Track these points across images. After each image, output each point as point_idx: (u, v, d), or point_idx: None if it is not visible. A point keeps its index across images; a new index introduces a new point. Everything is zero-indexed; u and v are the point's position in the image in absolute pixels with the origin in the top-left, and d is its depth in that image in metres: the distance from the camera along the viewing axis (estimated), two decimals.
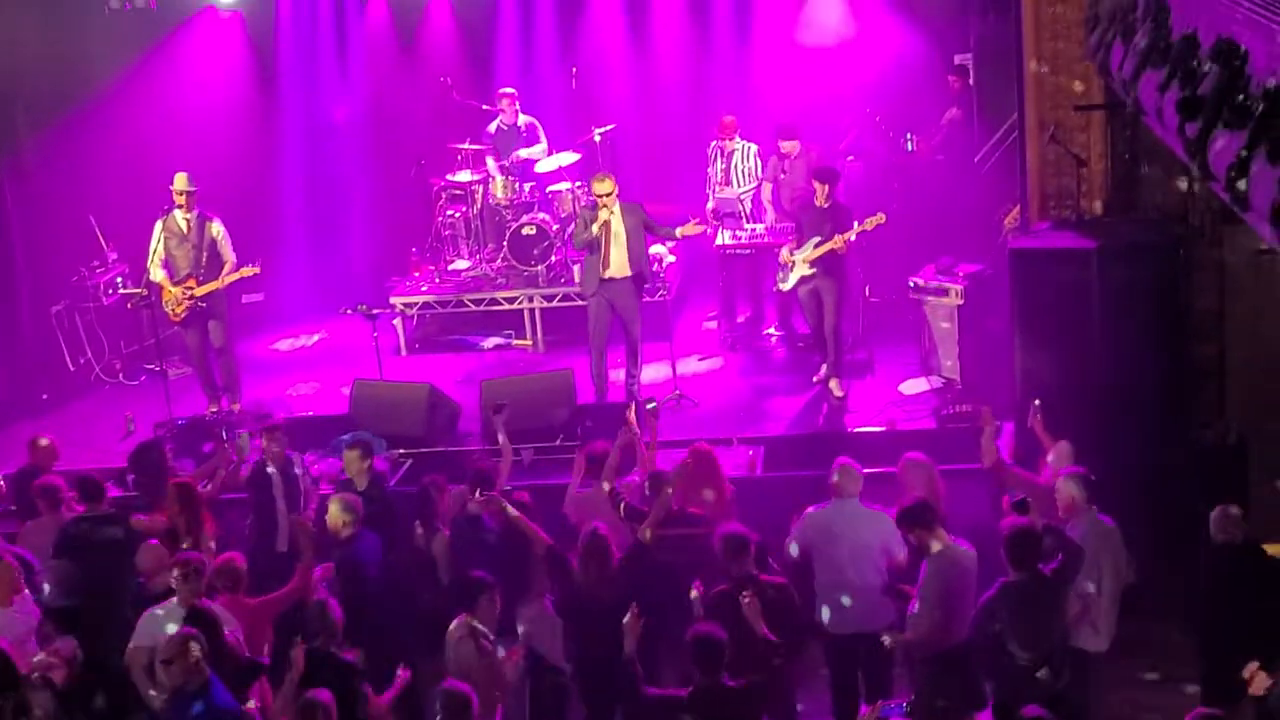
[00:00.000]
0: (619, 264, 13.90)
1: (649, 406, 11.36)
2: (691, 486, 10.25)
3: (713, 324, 16.15)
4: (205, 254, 14.39)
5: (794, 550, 9.62)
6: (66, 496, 10.92)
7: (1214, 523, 8.98)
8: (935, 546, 8.94)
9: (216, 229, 14.45)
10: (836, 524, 9.54)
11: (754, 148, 15.83)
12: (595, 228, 13.76)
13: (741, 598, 8.68)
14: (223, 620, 8.95)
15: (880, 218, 13.58)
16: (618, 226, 13.81)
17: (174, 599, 9.11)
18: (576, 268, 15.69)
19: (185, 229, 14.38)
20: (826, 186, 13.64)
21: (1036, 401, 10.42)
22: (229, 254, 14.49)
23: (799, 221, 14.01)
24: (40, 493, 10.96)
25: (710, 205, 15.79)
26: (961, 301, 13.49)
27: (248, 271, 14.56)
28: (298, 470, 11.47)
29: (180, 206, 14.34)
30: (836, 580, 9.44)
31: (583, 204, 15.07)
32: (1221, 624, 8.89)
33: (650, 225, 14.07)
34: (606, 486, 10.15)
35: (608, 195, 13.77)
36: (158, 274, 14.46)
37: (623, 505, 9.98)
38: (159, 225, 14.43)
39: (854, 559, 9.42)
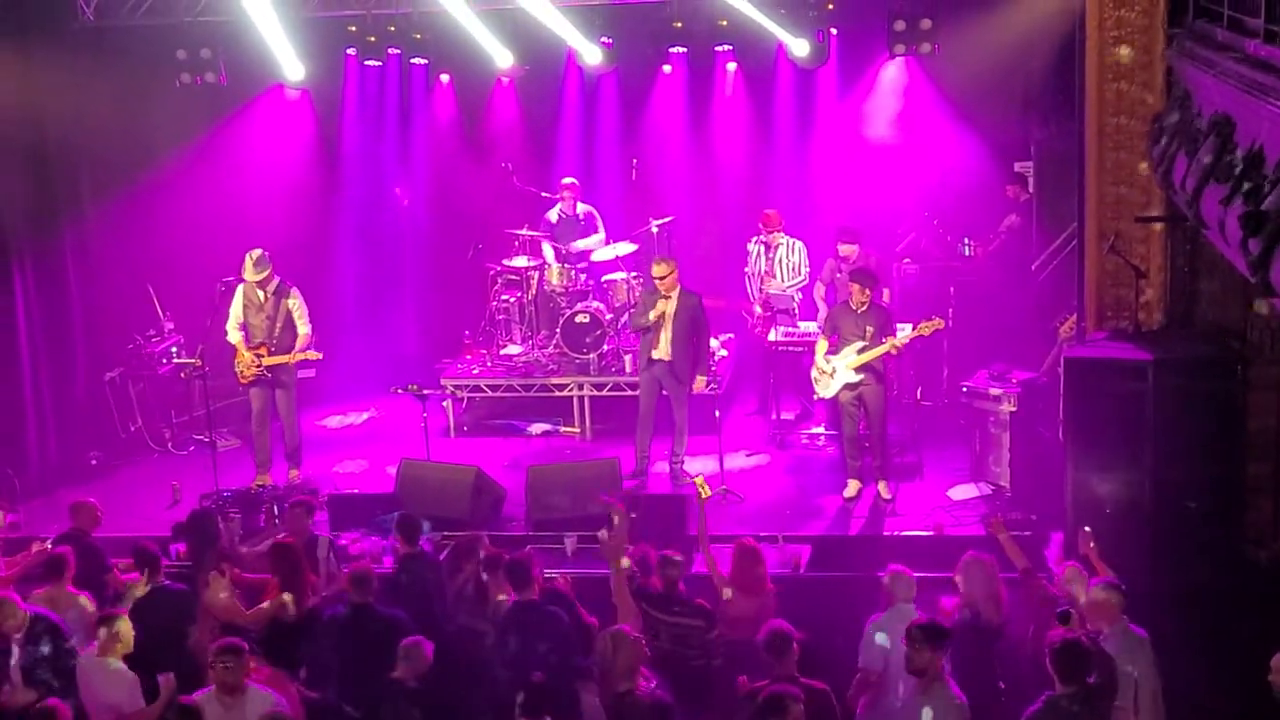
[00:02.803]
0: (664, 347, 14.21)
1: (703, 494, 11.17)
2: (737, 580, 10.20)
3: (752, 416, 16.21)
4: (279, 325, 14.58)
5: (882, 640, 9.35)
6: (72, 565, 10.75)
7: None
8: (937, 681, 8.53)
9: (293, 302, 14.67)
10: (893, 632, 9.33)
11: (800, 244, 15.88)
12: (652, 315, 14.13)
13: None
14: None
15: (938, 322, 13.52)
16: (672, 311, 14.12)
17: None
18: (628, 357, 15.80)
19: (261, 299, 14.59)
20: (867, 290, 13.60)
21: (1087, 529, 10.30)
22: (303, 326, 14.70)
23: (835, 325, 13.84)
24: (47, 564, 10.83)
25: (757, 305, 15.82)
26: (1014, 408, 13.38)
27: (312, 355, 14.72)
28: (320, 552, 11.41)
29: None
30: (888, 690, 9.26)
31: (642, 289, 15.19)
32: None
33: (695, 324, 14.27)
34: (625, 563, 10.08)
35: (663, 279, 14.08)
36: (235, 336, 14.69)
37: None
38: (240, 290, 14.69)
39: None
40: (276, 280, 14.65)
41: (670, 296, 14.15)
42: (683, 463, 14.52)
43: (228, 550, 11.30)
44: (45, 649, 9.88)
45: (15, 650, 9.79)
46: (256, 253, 14.58)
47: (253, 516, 13.63)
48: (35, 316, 15.75)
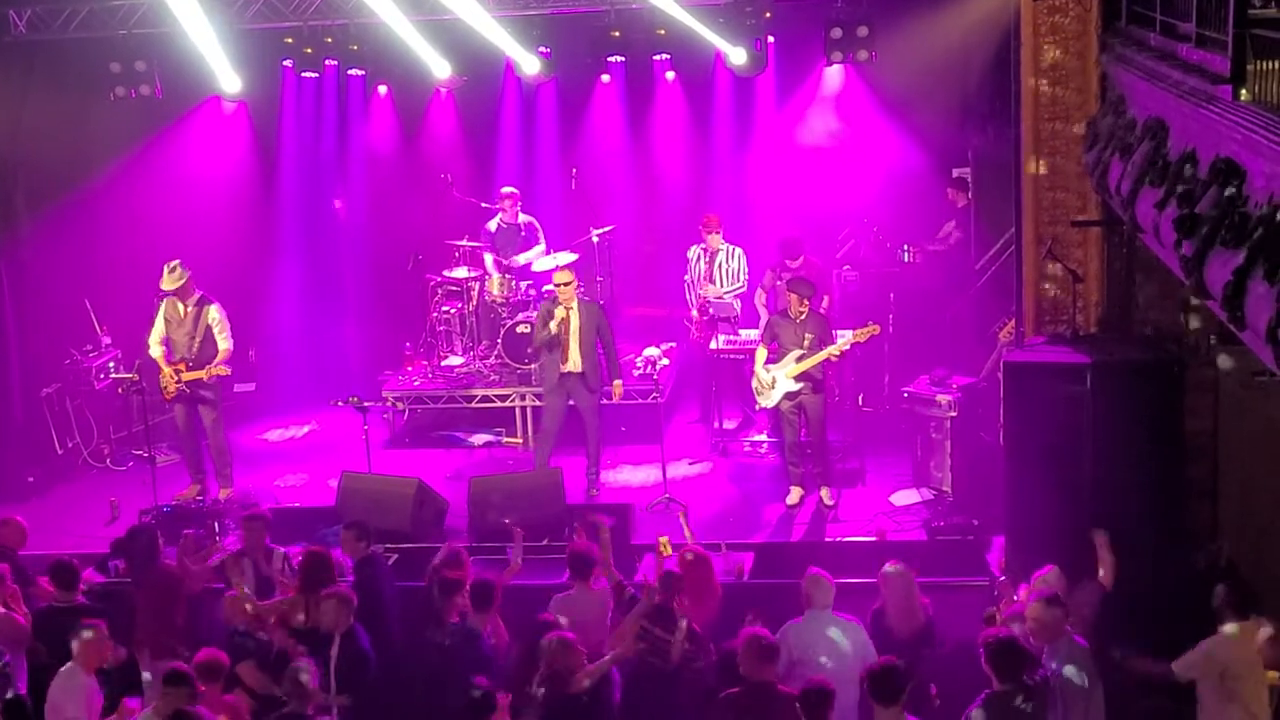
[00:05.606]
0: (574, 360, 14.25)
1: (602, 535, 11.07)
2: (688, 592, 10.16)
3: (695, 425, 16.23)
4: (199, 339, 14.40)
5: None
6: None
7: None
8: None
9: (213, 314, 14.46)
10: (812, 636, 9.40)
11: (739, 251, 15.86)
12: (553, 325, 14.18)
13: None
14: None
15: (874, 328, 13.57)
16: (575, 322, 14.18)
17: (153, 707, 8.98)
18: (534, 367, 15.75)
19: (182, 314, 14.43)
20: (805, 300, 13.61)
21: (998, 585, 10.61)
22: (223, 340, 14.50)
23: (774, 334, 13.87)
24: None
25: (694, 309, 15.81)
26: (954, 413, 13.45)
27: (218, 370, 14.44)
28: (276, 564, 11.30)
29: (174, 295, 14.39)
30: None
31: (546, 299, 15.09)
32: None
33: (602, 332, 14.34)
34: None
35: (566, 286, 14.21)
36: (156, 350, 14.54)
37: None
38: (162, 305, 14.53)
39: (833, 671, 9.21)
40: (197, 294, 14.50)
41: (571, 307, 14.22)
42: (597, 475, 14.58)
43: (177, 567, 11.14)
44: None
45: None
46: (173, 263, 14.44)
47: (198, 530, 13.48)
48: None
